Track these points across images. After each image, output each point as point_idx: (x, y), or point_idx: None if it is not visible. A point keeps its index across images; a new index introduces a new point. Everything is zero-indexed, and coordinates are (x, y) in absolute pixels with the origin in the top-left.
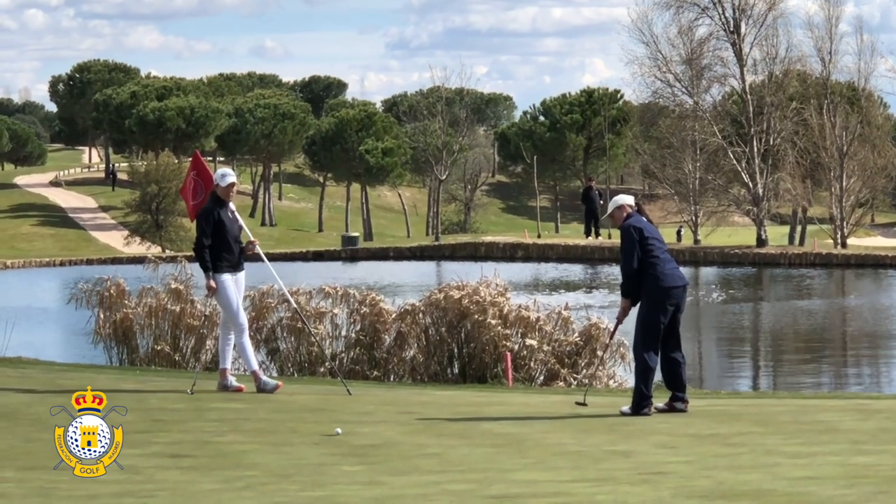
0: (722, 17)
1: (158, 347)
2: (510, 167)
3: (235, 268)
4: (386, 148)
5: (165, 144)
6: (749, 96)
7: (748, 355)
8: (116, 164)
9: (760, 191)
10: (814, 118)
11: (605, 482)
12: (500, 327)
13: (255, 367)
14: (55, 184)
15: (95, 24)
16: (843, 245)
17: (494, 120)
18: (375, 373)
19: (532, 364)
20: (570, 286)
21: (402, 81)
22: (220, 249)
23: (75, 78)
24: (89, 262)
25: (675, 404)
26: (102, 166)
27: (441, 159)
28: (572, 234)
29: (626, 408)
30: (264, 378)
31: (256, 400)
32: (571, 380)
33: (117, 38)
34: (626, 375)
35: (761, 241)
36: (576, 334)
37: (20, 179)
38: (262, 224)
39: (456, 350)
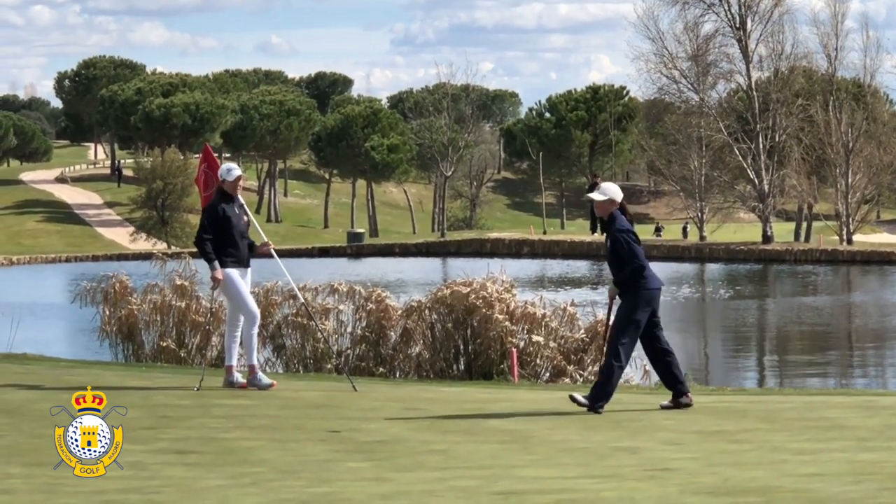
0: (728, 13)
1: (164, 344)
2: (516, 164)
3: (242, 264)
4: (391, 144)
5: (171, 141)
6: (755, 93)
7: (754, 352)
8: (122, 161)
9: (766, 187)
10: (819, 115)
11: (611, 478)
12: (506, 324)
13: (255, 361)
14: (61, 180)
15: (101, 20)
16: (849, 241)
17: (500, 116)
18: (381, 369)
19: (538, 361)
20: (575, 282)
21: (408, 78)
22: (225, 245)
23: (81, 74)
24: (95, 258)
25: (680, 399)
26: (108, 162)
27: (447, 156)
28: (578, 231)
29: (580, 396)
30: (259, 374)
31: (262, 396)
32: (577, 376)
33: (123, 34)
34: (630, 372)
35: (767, 238)
36: (581, 331)
37: (26, 176)
38: (268, 220)
39: (462, 346)
